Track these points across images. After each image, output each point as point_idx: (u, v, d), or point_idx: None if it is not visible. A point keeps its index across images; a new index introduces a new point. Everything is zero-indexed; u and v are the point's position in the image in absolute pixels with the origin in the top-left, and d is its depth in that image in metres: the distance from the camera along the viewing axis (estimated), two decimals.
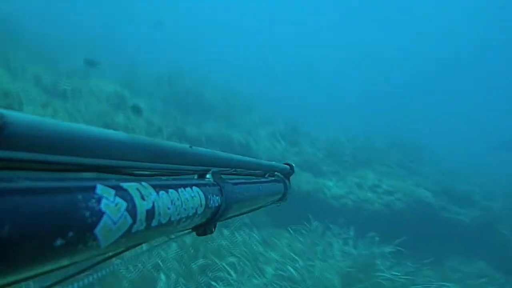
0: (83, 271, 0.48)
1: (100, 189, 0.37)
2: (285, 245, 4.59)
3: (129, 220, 0.40)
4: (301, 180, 6.70)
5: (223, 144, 7.12)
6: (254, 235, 4.70)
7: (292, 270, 3.82)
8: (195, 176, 0.70)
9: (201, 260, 3.63)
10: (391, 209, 6.57)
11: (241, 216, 0.91)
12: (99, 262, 0.49)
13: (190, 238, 3.53)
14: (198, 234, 0.69)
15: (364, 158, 9.05)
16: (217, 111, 9.66)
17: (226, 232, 4.37)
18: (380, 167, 8.58)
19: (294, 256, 4.17)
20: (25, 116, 0.33)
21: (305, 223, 5.33)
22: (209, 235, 0.70)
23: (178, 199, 0.52)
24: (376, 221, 6.24)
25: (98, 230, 0.35)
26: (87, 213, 0.34)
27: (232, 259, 3.81)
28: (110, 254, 0.46)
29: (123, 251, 0.49)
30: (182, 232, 0.63)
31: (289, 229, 5.20)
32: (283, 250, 4.38)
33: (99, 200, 0.36)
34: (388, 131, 12.15)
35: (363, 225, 5.62)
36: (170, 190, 0.51)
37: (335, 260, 4.33)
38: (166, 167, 0.60)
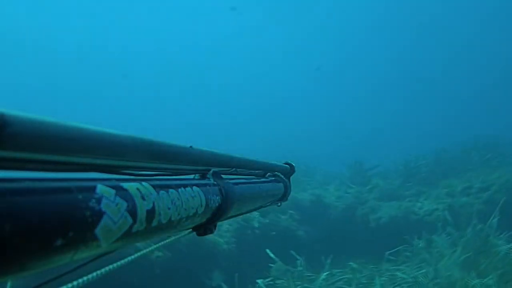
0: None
1: (100, 189, 0.37)
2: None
3: (130, 220, 0.40)
4: (385, 210, 6.52)
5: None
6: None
7: None
8: (196, 176, 0.70)
9: None
10: (494, 203, 5.81)
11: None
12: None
13: None
14: (199, 234, 0.69)
15: (443, 169, 8.66)
16: None
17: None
18: (464, 172, 8.08)
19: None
20: (26, 115, 0.33)
21: (404, 246, 5.09)
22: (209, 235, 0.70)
23: (178, 199, 0.52)
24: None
25: (98, 230, 0.35)
26: (88, 213, 0.34)
27: None
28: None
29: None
30: (182, 232, 0.63)
31: (390, 256, 4.89)
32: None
33: (99, 200, 0.36)
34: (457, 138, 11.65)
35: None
36: (171, 190, 0.51)
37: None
38: (167, 167, 0.60)
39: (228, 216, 0.76)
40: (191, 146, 0.63)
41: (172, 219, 0.50)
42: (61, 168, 0.40)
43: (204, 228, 0.68)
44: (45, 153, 0.36)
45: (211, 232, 0.71)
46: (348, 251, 5.37)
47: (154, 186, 0.47)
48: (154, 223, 0.45)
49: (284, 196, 1.21)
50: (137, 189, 0.43)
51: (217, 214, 0.67)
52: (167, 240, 0.66)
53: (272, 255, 4.42)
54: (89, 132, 0.40)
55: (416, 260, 4.81)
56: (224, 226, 4.89)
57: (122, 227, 0.39)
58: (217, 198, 0.66)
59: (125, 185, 0.42)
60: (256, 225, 5.49)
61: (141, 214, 0.42)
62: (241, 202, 0.80)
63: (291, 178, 1.28)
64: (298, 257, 4.56)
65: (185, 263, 4.12)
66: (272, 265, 4.49)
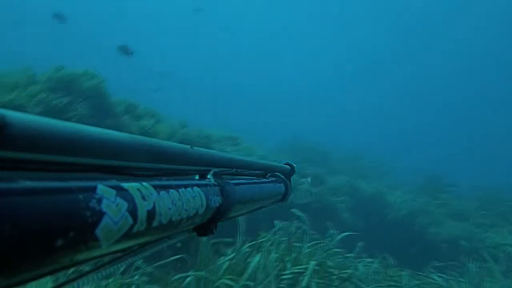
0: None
1: (100, 189, 0.37)
2: None
3: (130, 220, 0.40)
4: (448, 227, 6.17)
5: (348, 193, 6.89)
6: None
7: None
8: (196, 177, 0.70)
9: None
10: None
11: None
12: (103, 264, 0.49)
13: None
14: (199, 235, 0.69)
15: None
16: (341, 166, 9.50)
17: None
18: None
19: None
20: (26, 116, 0.33)
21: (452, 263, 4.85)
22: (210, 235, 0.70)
23: (179, 200, 0.52)
24: None
25: (98, 231, 0.35)
26: (88, 213, 0.34)
27: None
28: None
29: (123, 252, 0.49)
30: (183, 233, 0.63)
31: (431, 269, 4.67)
32: None
33: (99, 200, 0.36)
34: None
35: None
36: (171, 191, 0.51)
37: None
38: (167, 167, 0.60)
39: (229, 216, 0.76)
40: (191, 146, 0.63)
41: (173, 219, 0.49)
42: (61, 169, 0.40)
43: (205, 228, 0.67)
44: (45, 153, 0.36)
45: (212, 233, 0.71)
46: (388, 251, 5.11)
47: (154, 187, 0.47)
48: (155, 223, 0.45)
49: (284, 197, 1.20)
50: (138, 189, 0.43)
51: (218, 214, 0.67)
52: (166, 241, 0.66)
53: (300, 214, 4.38)
54: (89, 133, 0.40)
55: (458, 276, 4.56)
56: None
57: (123, 227, 0.39)
58: (218, 198, 0.66)
59: (126, 185, 0.42)
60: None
61: (142, 214, 0.42)
62: (242, 203, 0.80)
63: (291, 179, 1.28)
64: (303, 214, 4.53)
65: None
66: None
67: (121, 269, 3.15)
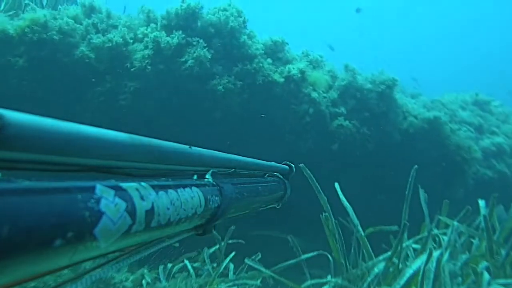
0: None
1: (99, 189, 0.37)
2: None
3: (129, 220, 0.40)
4: None
5: None
6: None
7: None
8: (195, 177, 0.70)
9: None
10: None
11: None
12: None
13: None
14: (198, 235, 0.69)
15: None
16: None
17: None
18: None
19: None
20: (25, 116, 0.33)
21: None
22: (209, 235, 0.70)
23: (177, 200, 0.52)
24: None
25: (97, 231, 0.35)
26: (87, 213, 0.34)
27: None
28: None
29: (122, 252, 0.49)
30: (181, 233, 0.63)
31: None
32: None
33: (98, 200, 0.36)
34: None
35: None
36: (170, 191, 0.51)
37: None
38: (166, 167, 0.60)
39: (228, 216, 0.76)
40: (190, 147, 0.64)
41: (171, 219, 0.50)
42: (60, 169, 0.40)
43: (204, 228, 0.68)
44: (44, 153, 0.36)
45: (210, 233, 0.71)
46: None
47: (153, 187, 0.47)
48: (153, 223, 0.45)
49: (283, 197, 1.21)
50: (136, 189, 0.43)
51: (216, 214, 0.67)
52: (166, 241, 0.66)
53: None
54: (88, 133, 0.40)
55: None
56: None
57: (121, 227, 0.39)
58: (216, 198, 0.67)
59: (124, 185, 0.42)
60: None
61: (140, 214, 0.42)
62: (240, 203, 0.80)
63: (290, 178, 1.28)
64: None
65: None
66: None
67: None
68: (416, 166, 3.25)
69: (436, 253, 2.56)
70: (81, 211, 0.34)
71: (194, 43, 4.15)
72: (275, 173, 1.20)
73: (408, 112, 5.12)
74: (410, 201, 3.16)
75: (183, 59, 4.09)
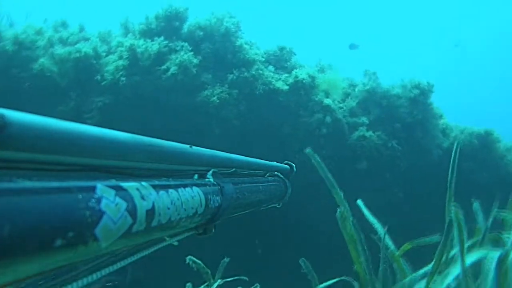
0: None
1: (100, 189, 0.37)
2: None
3: (129, 220, 0.40)
4: None
5: None
6: None
7: None
8: (196, 176, 0.70)
9: None
10: None
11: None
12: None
13: None
14: (198, 234, 0.69)
15: None
16: None
17: None
18: None
19: None
20: (26, 116, 0.33)
21: None
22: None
23: (178, 199, 0.52)
24: None
25: (98, 230, 0.35)
26: (87, 213, 0.34)
27: None
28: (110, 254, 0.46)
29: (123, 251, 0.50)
30: (182, 232, 0.63)
31: None
32: None
33: (99, 200, 0.36)
34: None
35: None
36: (170, 190, 0.51)
37: None
38: (166, 167, 0.60)
39: (228, 216, 0.76)
40: (191, 146, 0.64)
41: (172, 219, 0.50)
42: (61, 168, 0.40)
43: (204, 228, 0.68)
44: (45, 153, 0.36)
45: (211, 233, 0.71)
46: None
47: (153, 186, 0.47)
48: (154, 223, 0.45)
49: (284, 196, 1.21)
50: (137, 189, 0.43)
51: (217, 214, 0.67)
52: (165, 241, 0.66)
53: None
54: (89, 133, 0.40)
55: None
56: None
57: (122, 227, 0.39)
58: (217, 198, 0.67)
59: (125, 185, 0.42)
60: None
61: (141, 214, 0.42)
62: (241, 202, 0.80)
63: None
64: None
65: None
66: None
67: None
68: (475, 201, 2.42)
69: (495, 253, 1.90)
70: (82, 210, 0.34)
71: (178, 48, 3.54)
72: (275, 173, 1.20)
73: (448, 125, 4.20)
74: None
75: (164, 67, 3.49)
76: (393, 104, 3.95)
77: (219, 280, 2.36)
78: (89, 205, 0.35)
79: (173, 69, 3.47)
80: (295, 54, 4.20)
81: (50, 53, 3.46)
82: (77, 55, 3.43)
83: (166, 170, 0.62)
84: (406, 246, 2.43)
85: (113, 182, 0.41)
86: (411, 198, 3.90)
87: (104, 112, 3.43)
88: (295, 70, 3.91)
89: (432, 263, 2.02)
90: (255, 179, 1.02)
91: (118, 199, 0.39)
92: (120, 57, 3.55)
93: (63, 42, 3.68)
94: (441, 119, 4.18)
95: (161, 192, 0.48)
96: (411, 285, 2.13)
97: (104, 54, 3.64)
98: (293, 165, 1.27)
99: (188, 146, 0.63)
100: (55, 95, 3.45)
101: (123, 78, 3.46)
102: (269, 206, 1.15)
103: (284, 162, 1.26)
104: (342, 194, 2.32)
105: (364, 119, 3.90)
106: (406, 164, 3.84)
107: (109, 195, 0.38)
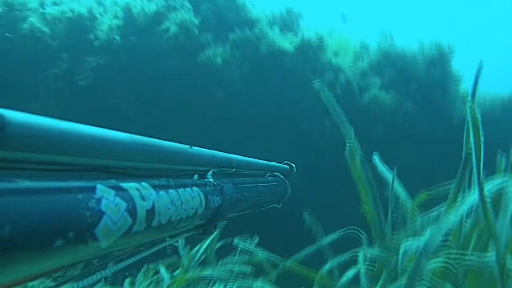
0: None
1: (100, 189, 0.37)
2: None
3: (129, 220, 0.40)
4: None
5: None
6: None
7: None
8: (195, 177, 0.70)
9: None
10: None
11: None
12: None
13: None
14: (198, 235, 0.69)
15: None
16: None
17: None
18: None
19: None
20: (26, 116, 0.33)
21: None
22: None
23: (178, 199, 0.52)
24: None
25: (98, 230, 0.35)
26: (87, 213, 0.34)
27: None
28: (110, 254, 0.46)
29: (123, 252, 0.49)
30: (182, 233, 0.63)
31: None
32: None
33: (99, 200, 0.36)
34: None
35: None
36: (170, 190, 0.51)
37: None
38: (166, 167, 0.60)
39: (228, 216, 0.76)
40: (190, 146, 0.64)
41: (172, 219, 0.50)
42: (60, 169, 0.40)
43: (204, 228, 0.68)
44: (45, 153, 0.36)
45: (211, 233, 0.71)
46: None
47: (153, 186, 0.47)
48: (154, 223, 0.45)
49: (284, 197, 1.21)
50: (137, 189, 0.43)
51: (217, 214, 0.67)
52: (166, 241, 0.66)
53: None
54: (89, 133, 0.40)
55: None
56: None
57: (122, 227, 0.39)
58: (217, 198, 0.67)
59: (125, 185, 0.42)
60: None
61: (141, 214, 0.42)
62: (241, 203, 0.80)
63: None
64: None
65: None
66: None
67: None
68: None
69: None
70: (82, 211, 0.34)
71: (177, 6, 3.32)
72: (275, 173, 1.20)
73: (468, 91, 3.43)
74: None
75: (164, 27, 3.28)
76: (409, 65, 3.61)
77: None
78: (89, 205, 0.35)
79: (174, 29, 3.29)
80: (303, 18, 3.94)
81: (41, 13, 3.29)
82: (70, 15, 3.28)
83: (166, 170, 0.62)
84: (422, 196, 2.17)
85: (113, 182, 0.41)
86: (428, 165, 3.49)
87: (98, 73, 3.27)
88: (301, 31, 3.63)
89: (447, 202, 1.80)
90: (255, 179, 1.02)
91: (118, 199, 0.39)
92: (115, 17, 3.38)
93: (56, 3, 3.47)
94: (461, 83, 3.81)
95: (161, 192, 0.48)
96: (423, 226, 1.92)
97: (99, 16, 3.45)
98: (293, 165, 1.27)
99: (188, 146, 0.63)
100: (47, 57, 3.28)
101: (117, 37, 3.29)
102: (269, 207, 1.15)
103: (284, 162, 1.26)
104: (352, 131, 2.09)
105: (377, 80, 3.60)
106: (424, 129, 3.49)
107: (109, 195, 0.38)
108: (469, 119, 1.59)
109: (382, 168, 2.31)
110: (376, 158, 2.36)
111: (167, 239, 0.61)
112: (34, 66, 3.24)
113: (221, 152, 0.77)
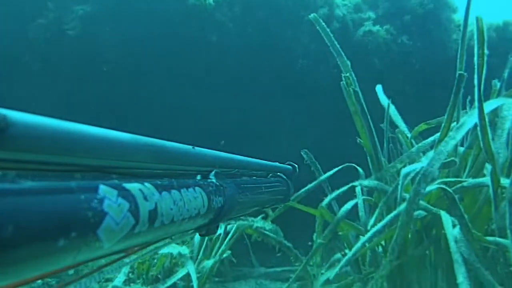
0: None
1: (102, 189, 0.37)
2: None
3: (132, 220, 0.40)
4: None
5: None
6: None
7: None
8: (198, 177, 0.70)
9: None
10: None
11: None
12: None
13: None
14: (201, 235, 0.69)
15: None
16: None
17: None
18: None
19: None
20: (28, 116, 0.33)
21: None
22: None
23: (180, 200, 0.52)
24: None
25: (100, 231, 0.35)
26: (90, 214, 0.34)
27: None
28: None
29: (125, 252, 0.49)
30: (185, 233, 0.63)
31: None
32: None
33: (101, 201, 0.36)
34: None
35: None
36: (173, 191, 0.51)
37: None
38: (169, 167, 0.60)
39: (231, 216, 0.76)
40: (193, 147, 0.64)
41: (175, 219, 0.49)
42: (63, 169, 0.40)
43: (207, 228, 0.67)
44: (47, 153, 0.36)
45: (214, 233, 0.71)
46: None
47: (156, 187, 0.47)
48: (157, 223, 0.45)
49: (286, 197, 1.20)
50: (140, 189, 0.43)
51: (220, 214, 0.67)
52: (168, 241, 0.66)
53: None
54: (91, 133, 0.40)
55: None
56: None
57: (125, 228, 0.39)
58: (220, 198, 0.66)
59: (128, 185, 0.42)
60: None
61: (144, 214, 0.42)
62: (244, 203, 0.80)
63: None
64: None
65: None
66: None
67: None
68: None
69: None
70: (84, 211, 0.34)
71: None
72: (278, 173, 1.20)
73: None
74: None
75: None
76: None
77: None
78: (92, 206, 0.35)
79: None
80: None
81: None
82: None
83: (168, 171, 0.61)
84: (421, 127, 2.21)
85: (115, 182, 0.41)
86: (425, 97, 3.47)
87: (86, 22, 3.15)
88: None
89: (442, 126, 1.82)
90: (258, 179, 1.02)
91: (120, 200, 0.39)
92: None
93: None
94: (456, 13, 3.74)
95: (164, 192, 0.48)
96: (418, 152, 1.94)
97: None
98: (296, 165, 1.26)
99: (190, 146, 0.63)
100: (32, 7, 3.14)
101: None
102: (271, 207, 1.15)
103: (287, 163, 1.26)
104: (349, 63, 2.11)
105: (371, 14, 3.55)
106: (420, 61, 3.47)
107: (111, 195, 0.38)
108: (475, 36, 1.63)
109: (383, 97, 2.31)
110: (379, 89, 2.36)
111: (169, 239, 0.61)
112: (20, 16, 3.14)
113: (223, 153, 0.77)
